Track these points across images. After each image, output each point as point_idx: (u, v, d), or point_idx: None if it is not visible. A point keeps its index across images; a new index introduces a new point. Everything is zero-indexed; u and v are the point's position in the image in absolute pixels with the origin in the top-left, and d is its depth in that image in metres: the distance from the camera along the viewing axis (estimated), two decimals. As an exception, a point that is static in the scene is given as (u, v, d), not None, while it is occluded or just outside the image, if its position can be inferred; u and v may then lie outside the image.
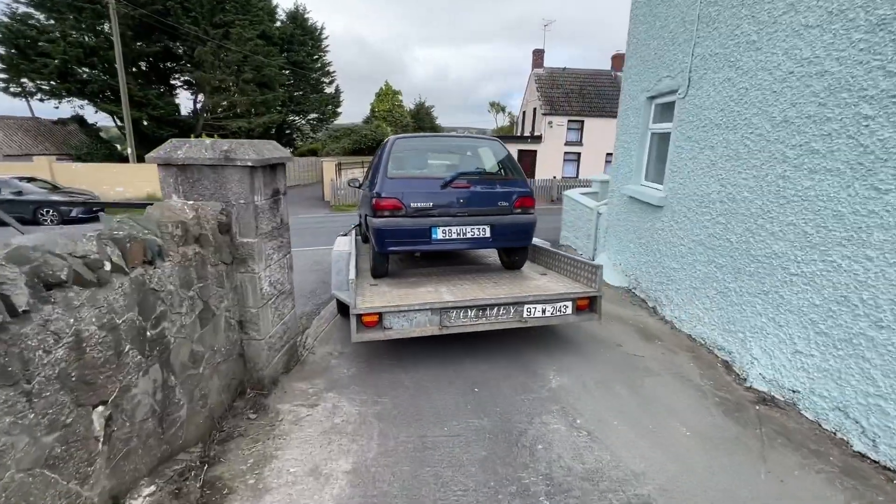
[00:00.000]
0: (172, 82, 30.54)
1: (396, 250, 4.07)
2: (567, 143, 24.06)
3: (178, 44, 27.62)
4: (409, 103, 43.25)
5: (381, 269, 4.25)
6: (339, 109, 39.77)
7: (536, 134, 24.32)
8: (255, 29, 28.65)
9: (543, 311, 3.76)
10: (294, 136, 40.70)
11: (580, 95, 24.58)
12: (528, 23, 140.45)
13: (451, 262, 5.09)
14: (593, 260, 7.63)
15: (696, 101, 4.71)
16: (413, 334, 3.55)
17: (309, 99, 37.08)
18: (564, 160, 24.33)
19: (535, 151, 23.82)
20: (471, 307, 3.60)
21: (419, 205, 3.90)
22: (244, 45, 27.59)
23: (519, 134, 29.44)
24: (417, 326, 3.55)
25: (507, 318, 3.71)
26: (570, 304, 3.82)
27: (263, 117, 29.30)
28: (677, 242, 5.01)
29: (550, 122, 23.46)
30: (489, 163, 4.71)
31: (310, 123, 40.18)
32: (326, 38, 37.33)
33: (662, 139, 5.90)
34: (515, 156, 24.42)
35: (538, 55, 25.95)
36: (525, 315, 3.72)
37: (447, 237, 3.95)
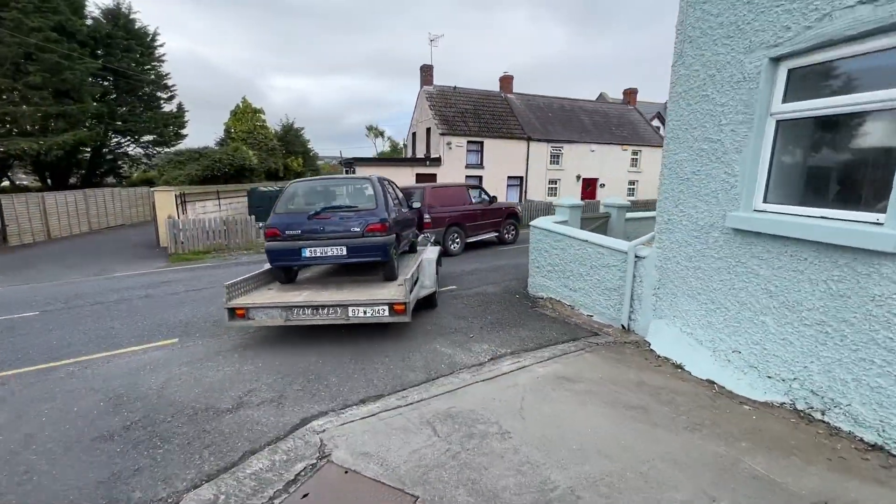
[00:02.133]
0: None
1: (279, 265, 5.57)
2: (468, 166, 21.80)
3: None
4: (274, 125, 37.41)
5: (280, 278, 5.84)
6: (183, 131, 32.30)
7: (434, 156, 21.60)
8: (45, 19, 20.96)
9: (364, 312, 4.74)
10: (119, 161, 31.91)
11: (476, 115, 22.70)
12: (387, 58, 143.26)
13: (352, 273, 6.33)
14: (627, 328, 4.82)
15: None
16: (266, 324, 4.86)
17: (141, 117, 29.08)
18: (466, 185, 22.03)
19: (435, 175, 21.03)
20: (308, 307, 4.77)
21: (291, 232, 5.27)
22: (28, 37, 19.85)
23: (411, 156, 26.53)
24: (270, 319, 4.82)
25: (335, 317, 4.78)
26: (386, 307, 4.73)
27: (64, 135, 21.38)
28: None
29: (449, 143, 20.97)
30: (356, 197, 5.83)
31: (144, 147, 31.80)
32: (162, 45, 30.13)
33: (808, 128, 3.27)
34: (413, 180, 21.33)
35: (427, 71, 23.48)
36: (350, 314, 4.75)
37: (313, 255, 5.26)
